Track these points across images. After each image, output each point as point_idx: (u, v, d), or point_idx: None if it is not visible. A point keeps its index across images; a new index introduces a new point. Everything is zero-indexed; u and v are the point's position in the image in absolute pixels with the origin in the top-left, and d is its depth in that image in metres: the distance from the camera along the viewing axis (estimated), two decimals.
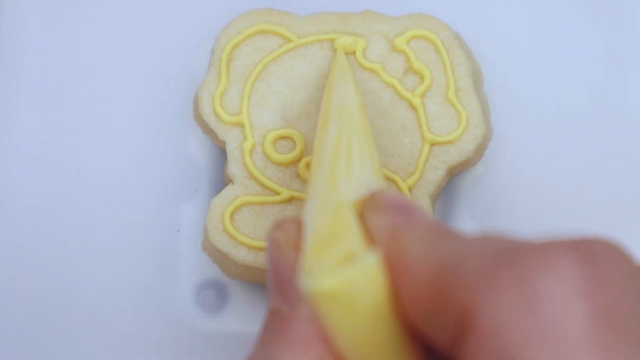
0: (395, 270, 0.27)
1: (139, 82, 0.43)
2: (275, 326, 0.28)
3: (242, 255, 0.39)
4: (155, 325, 0.41)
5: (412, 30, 0.41)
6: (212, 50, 0.41)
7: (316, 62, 0.41)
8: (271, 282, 0.29)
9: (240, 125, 0.41)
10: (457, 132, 0.40)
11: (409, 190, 0.40)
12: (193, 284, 0.42)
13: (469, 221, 0.42)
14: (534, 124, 0.43)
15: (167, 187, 0.42)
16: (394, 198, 0.29)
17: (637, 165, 0.43)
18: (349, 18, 0.41)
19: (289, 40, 0.41)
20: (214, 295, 0.42)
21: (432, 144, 0.40)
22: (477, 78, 0.42)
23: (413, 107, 0.41)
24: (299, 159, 0.40)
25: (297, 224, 0.30)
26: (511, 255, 0.25)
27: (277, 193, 0.40)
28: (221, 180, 0.42)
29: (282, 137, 0.40)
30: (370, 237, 0.28)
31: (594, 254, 0.25)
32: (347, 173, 0.30)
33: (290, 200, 0.40)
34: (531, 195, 0.42)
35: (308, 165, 0.40)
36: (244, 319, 0.41)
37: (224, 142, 0.41)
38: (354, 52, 0.41)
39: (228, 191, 0.40)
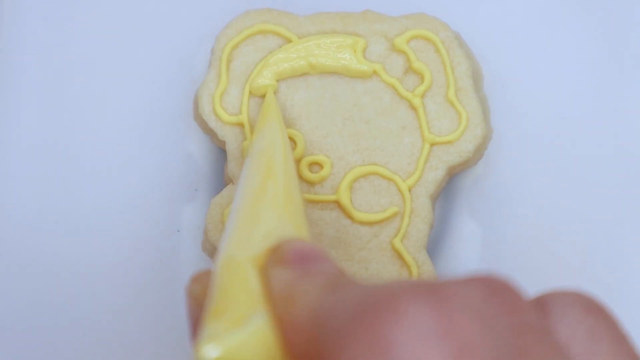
0: (283, 327, 0.26)
1: (139, 82, 0.43)
2: None
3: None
4: (155, 325, 0.41)
5: (412, 30, 0.41)
6: (212, 50, 0.41)
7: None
8: (190, 334, 0.29)
9: (240, 125, 0.41)
10: (457, 132, 0.40)
11: (409, 190, 0.40)
12: None
13: (469, 221, 0.42)
14: (534, 124, 0.43)
15: (167, 187, 0.42)
16: (298, 248, 0.28)
17: (637, 164, 0.43)
18: (349, 18, 0.41)
19: (289, 40, 0.41)
20: None
21: (432, 144, 0.40)
22: (477, 78, 0.42)
23: (413, 107, 0.41)
24: (299, 159, 0.40)
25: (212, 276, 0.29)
26: (366, 307, 0.24)
27: None
28: (221, 180, 0.42)
29: None
30: (269, 294, 0.27)
31: (445, 296, 0.24)
32: (253, 225, 0.30)
33: None
34: (531, 195, 0.42)
35: (308, 165, 0.40)
36: None
37: (224, 142, 0.41)
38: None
39: (228, 191, 0.40)
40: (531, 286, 0.42)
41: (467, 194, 0.42)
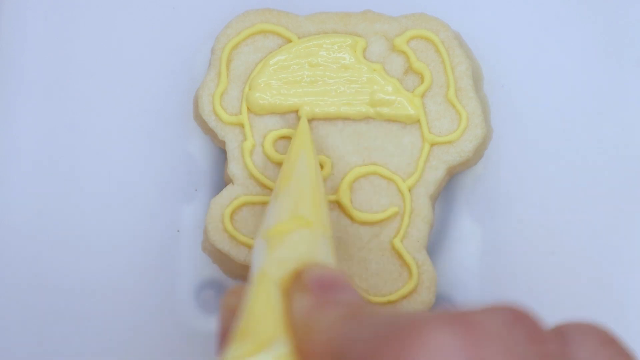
0: (303, 355, 0.26)
1: (139, 82, 0.43)
2: None
3: (242, 256, 0.39)
4: (155, 326, 0.41)
5: (412, 30, 0.41)
6: (212, 50, 0.41)
7: (317, 62, 0.41)
8: (218, 344, 0.29)
9: (240, 125, 0.41)
10: (457, 132, 0.40)
11: (409, 190, 0.40)
12: (193, 284, 0.42)
13: (469, 221, 0.42)
14: (534, 124, 0.43)
15: (167, 187, 0.42)
16: (320, 275, 0.28)
17: (636, 164, 0.43)
18: (349, 18, 0.41)
19: (289, 40, 0.41)
20: (214, 295, 0.42)
21: (432, 144, 0.40)
22: (477, 78, 0.42)
23: (413, 107, 0.41)
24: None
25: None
26: (390, 335, 0.24)
27: None
28: (221, 180, 0.42)
29: (282, 137, 0.40)
30: (291, 320, 0.27)
31: (470, 324, 0.24)
32: (286, 244, 0.30)
33: None
34: (531, 195, 0.42)
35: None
36: None
37: (224, 142, 0.41)
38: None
39: (228, 191, 0.40)
40: (531, 286, 0.42)
41: (467, 194, 0.42)
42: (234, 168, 0.40)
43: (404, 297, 0.39)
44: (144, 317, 0.41)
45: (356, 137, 0.40)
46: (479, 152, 0.41)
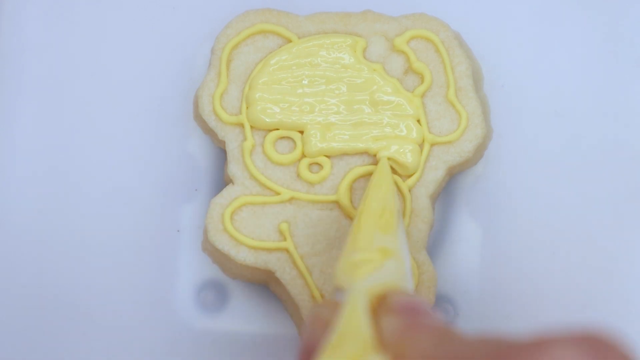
0: None
1: (139, 82, 0.43)
2: None
3: (242, 255, 0.39)
4: (155, 325, 0.41)
5: (412, 30, 0.41)
6: (212, 50, 0.41)
7: (317, 62, 0.41)
8: (303, 354, 0.30)
9: (240, 125, 0.41)
10: (457, 132, 0.40)
11: (409, 191, 0.40)
12: (193, 284, 0.42)
13: (469, 221, 0.42)
14: (534, 124, 0.43)
15: (167, 187, 0.42)
16: (405, 301, 0.30)
17: (636, 164, 0.43)
18: (349, 18, 0.41)
19: (289, 40, 0.41)
20: (214, 295, 0.42)
21: (432, 144, 0.40)
22: (477, 78, 0.42)
23: (413, 107, 0.41)
24: (299, 159, 0.40)
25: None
26: (511, 354, 0.25)
27: (277, 193, 0.40)
28: (221, 180, 0.42)
29: (282, 137, 0.40)
30: (381, 338, 0.29)
31: (597, 350, 0.25)
32: (367, 273, 0.32)
33: (290, 200, 0.40)
34: (531, 195, 0.42)
35: (308, 166, 0.40)
36: (244, 319, 0.41)
37: (224, 142, 0.41)
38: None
39: (228, 191, 0.40)
40: (531, 285, 0.42)
41: (467, 194, 0.42)
42: (234, 168, 0.40)
43: None
44: (144, 317, 0.41)
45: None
46: (479, 152, 0.41)
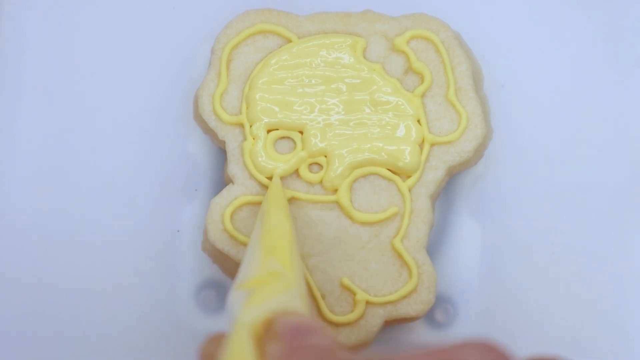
0: None
1: (139, 82, 0.43)
2: None
3: (242, 256, 0.39)
4: (155, 326, 0.41)
5: (412, 30, 0.41)
6: (212, 50, 0.41)
7: (317, 62, 0.41)
8: None
9: (240, 125, 0.40)
10: (457, 132, 0.40)
11: (409, 191, 0.40)
12: (193, 284, 0.42)
13: (469, 221, 0.42)
14: (534, 124, 0.43)
15: (167, 187, 0.42)
16: (289, 323, 0.29)
17: (636, 164, 0.43)
18: (349, 18, 0.41)
19: (289, 40, 0.41)
20: (214, 295, 0.42)
21: (432, 144, 0.40)
22: (477, 78, 0.42)
23: (413, 108, 0.40)
24: (298, 159, 0.40)
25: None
26: None
27: None
28: (221, 180, 0.42)
29: (282, 137, 0.40)
30: None
31: (492, 352, 0.27)
32: (261, 294, 0.31)
33: (290, 200, 0.40)
34: (530, 195, 0.42)
35: (308, 166, 0.40)
36: None
37: (224, 142, 0.41)
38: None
39: (228, 191, 0.40)
40: (531, 285, 0.42)
41: (467, 194, 0.42)
42: (234, 168, 0.40)
43: (404, 297, 0.39)
44: (144, 317, 0.41)
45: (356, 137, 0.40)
46: (479, 152, 0.41)
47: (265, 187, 0.40)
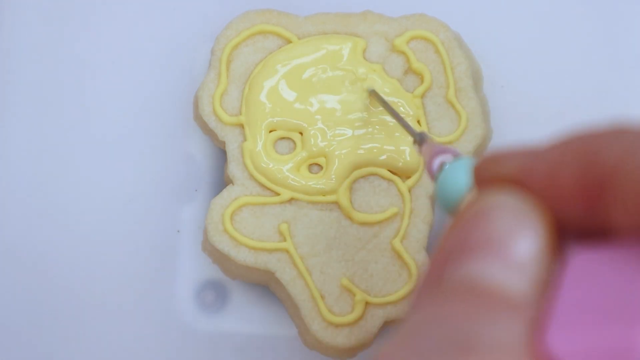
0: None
1: (139, 82, 0.43)
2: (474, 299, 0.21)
3: (242, 256, 0.39)
4: (155, 325, 0.41)
5: (412, 31, 0.41)
6: (212, 50, 0.41)
7: (317, 62, 0.41)
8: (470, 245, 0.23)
9: (240, 125, 0.41)
10: (457, 133, 0.40)
11: (409, 191, 0.40)
12: (193, 284, 0.42)
13: None
14: (534, 124, 0.43)
15: (167, 187, 0.42)
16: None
17: None
18: (349, 18, 0.41)
19: (289, 41, 0.41)
20: (214, 295, 0.42)
21: None
22: (477, 78, 0.42)
23: (413, 108, 0.41)
24: (299, 160, 0.40)
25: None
26: None
27: (277, 193, 0.40)
28: (221, 180, 0.42)
29: (282, 138, 0.40)
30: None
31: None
32: None
33: (290, 200, 0.40)
34: None
35: (308, 166, 0.40)
36: (244, 319, 0.41)
37: (224, 143, 0.41)
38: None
39: (228, 191, 0.40)
40: None
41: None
42: (234, 168, 0.40)
43: (404, 297, 0.39)
44: (144, 317, 0.41)
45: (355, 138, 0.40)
46: (479, 152, 0.41)
47: (265, 187, 0.40)
